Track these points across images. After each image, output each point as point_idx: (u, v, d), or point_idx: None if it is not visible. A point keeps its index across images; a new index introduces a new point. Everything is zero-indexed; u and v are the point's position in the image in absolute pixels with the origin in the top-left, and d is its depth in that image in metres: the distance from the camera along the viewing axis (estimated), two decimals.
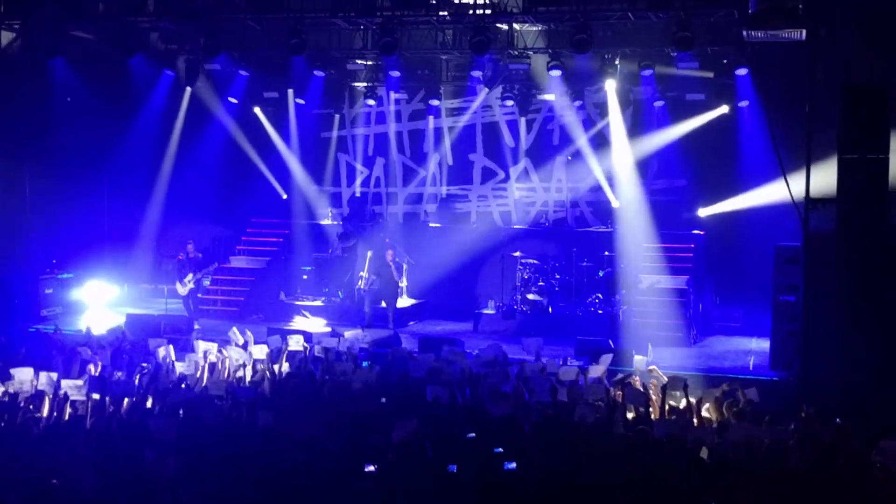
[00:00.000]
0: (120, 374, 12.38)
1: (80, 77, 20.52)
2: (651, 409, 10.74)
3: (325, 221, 22.52)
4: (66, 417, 10.24)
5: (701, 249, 19.79)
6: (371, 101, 21.90)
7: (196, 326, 17.90)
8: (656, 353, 15.35)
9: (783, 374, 15.07)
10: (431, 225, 22.12)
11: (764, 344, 16.54)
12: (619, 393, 11.10)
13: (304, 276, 21.12)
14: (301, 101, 22.26)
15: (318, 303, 20.16)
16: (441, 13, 18.17)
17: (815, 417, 10.21)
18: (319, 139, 23.52)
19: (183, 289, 19.03)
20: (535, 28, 18.92)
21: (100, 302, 20.81)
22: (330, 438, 8.99)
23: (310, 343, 13.88)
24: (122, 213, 22.26)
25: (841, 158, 13.64)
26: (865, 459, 8.57)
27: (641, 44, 18.62)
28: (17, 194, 18.90)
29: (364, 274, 20.15)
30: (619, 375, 12.56)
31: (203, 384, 11.99)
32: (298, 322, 18.46)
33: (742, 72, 18.11)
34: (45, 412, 10.46)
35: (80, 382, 11.31)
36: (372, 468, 7.97)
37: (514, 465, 8.06)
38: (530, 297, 19.22)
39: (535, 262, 19.67)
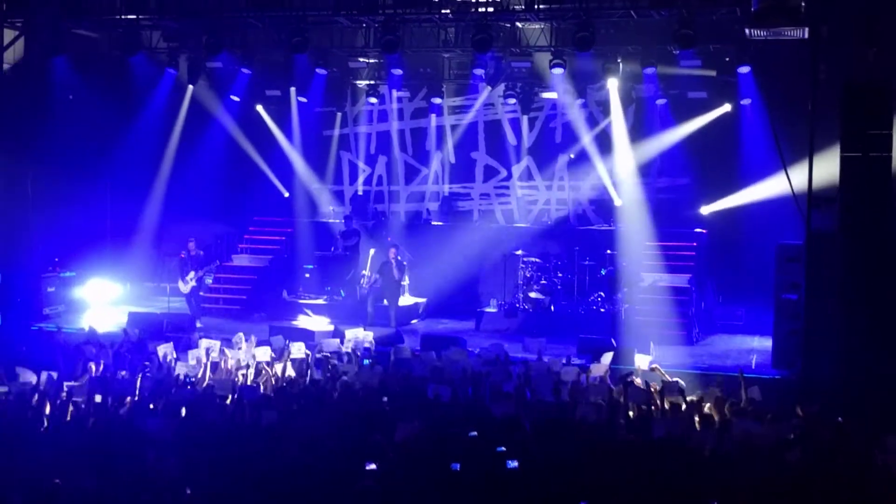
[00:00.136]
0: (123, 373, 12.38)
1: (81, 75, 20.55)
2: (653, 408, 10.74)
3: (330, 219, 22.50)
4: (69, 417, 10.25)
5: (703, 248, 19.78)
6: (373, 99, 21.92)
7: (198, 325, 17.93)
8: (658, 352, 15.37)
9: (785, 372, 15.06)
10: (433, 223, 22.12)
11: (766, 342, 16.54)
12: (622, 392, 11.09)
13: (307, 275, 21.12)
14: (303, 100, 22.26)
15: (320, 301, 20.16)
16: (443, 11, 18.15)
17: (817, 416, 10.21)
18: (321, 137, 23.51)
19: (185, 287, 19.04)
20: (537, 26, 18.90)
21: (102, 300, 20.82)
22: (332, 438, 8.99)
23: (311, 350, 13.84)
24: (124, 211, 22.25)
25: (843, 156, 13.63)
26: (866, 458, 8.56)
27: (644, 42, 18.58)
28: (20, 192, 18.89)
29: (366, 272, 20.17)
30: (622, 374, 12.54)
31: (206, 383, 12.00)
32: (301, 321, 18.46)
33: (744, 70, 18.10)
34: (48, 411, 10.47)
35: (81, 382, 11.32)
36: (373, 466, 7.97)
37: (515, 463, 8.06)
38: (532, 295, 19.22)
39: (537, 260, 19.67)
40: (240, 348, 13.84)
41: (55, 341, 14.86)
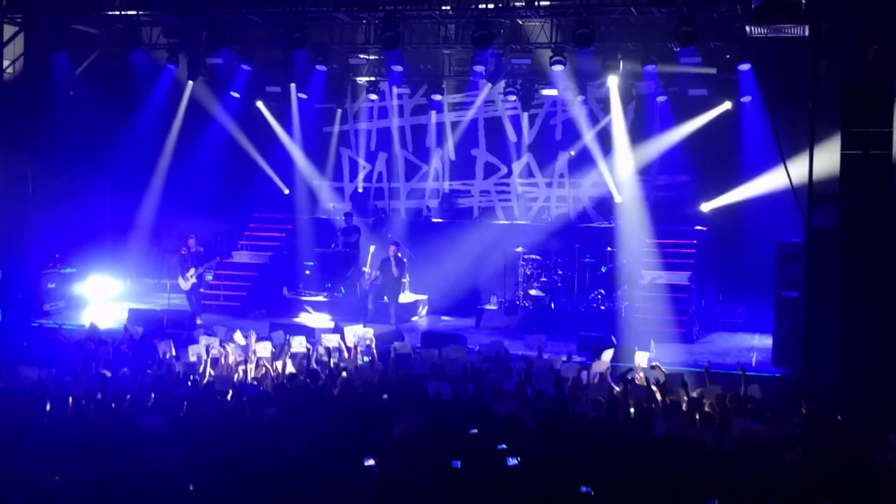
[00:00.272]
0: (124, 369, 12.38)
1: (82, 71, 20.53)
2: (653, 406, 10.74)
3: (331, 214, 22.49)
4: (69, 414, 10.22)
5: (703, 245, 19.78)
6: (373, 96, 21.92)
7: (199, 321, 17.93)
8: (658, 350, 15.37)
9: (785, 370, 15.07)
10: (434, 220, 22.11)
11: (767, 340, 16.55)
12: (622, 389, 11.09)
13: (307, 272, 21.13)
14: (303, 96, 22.26)
15: (320, 298, 20.17)
16: (444, 7, 18.12)
17: (817, 414, 10.21)
18: (321, 134, 23.51)
19: (185, 283, 19.04)
20: (537, 22, 18.89)
21: (102, 297, 20.83)
22: (332, 434, 8.99)
23: (312, 345, 13.86)
24: (124, 208, 22.26)
25: (843, 154, 13.63)
26: (867, 456, 8.57)
27: (644, 39, 18.58)
28: (20, 189, 18.88)
29: (367, 269, 20.16)
30: (622, 371, 12.54)
31: (206, 380, 12.01)
32: (302, 318, 18.45)
33: (745, 67, 18.12)
34: (48, 408, 10.43)
35: (82, 378, 11.32)
36: (371, 462, 7.98)
37: (516, 460, 8.06)
38: (532, 292, 19.22)
39: (538, 257, 19.66)
40: (240, 344, 13.85)
41: (55, 338, 14.85)
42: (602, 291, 19.09)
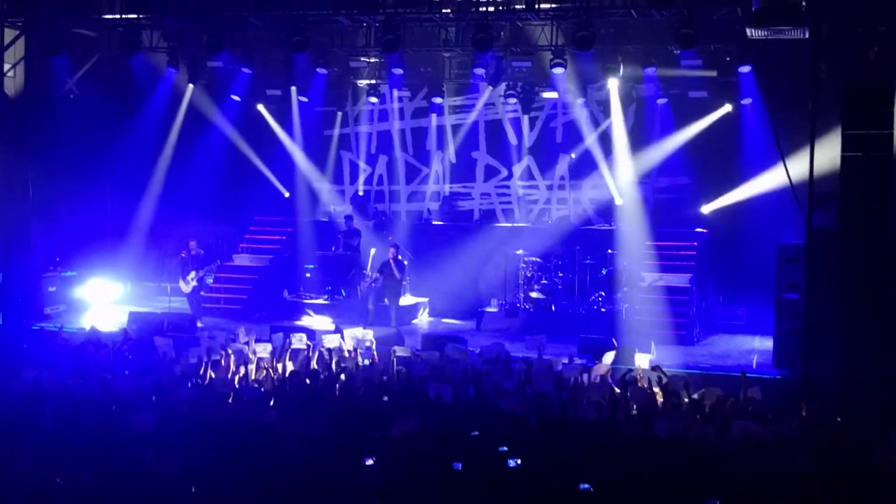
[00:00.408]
0: (125, 372, 12.38)
1: (82, 75, 20.55)
2: (654, 407, 10.74)
3: (331, 217, 22.50)
4: (70, 416, 10.22)
5: (704, 247, 19.77)
6: (374, 99, 21.93)
7: (199, 324, 17.93)
8: (659, 352, 15.37)
9: (786, 372, 15.06)
10: (434, 223, 22.11)
11: (767, 342, 16.55)
12: (623, 391, 11.09)
13: (308, 275, 21.13)
14: (304, 99, 22.28)
15: (321, 301, 20.17)
16: (444, 10, 18.17)
17: (817, 415, 10.20)
18: (322, 137, 23.51)
19: (186, 286, 19.04)
20: (538, 25, 18.91)
21: (103, 300, 20.83)
22: (333, 436, 8.99)
23: (313, 342, 13.88)
24: (124, 211, 22.26)
25: (843, 156, 13.63)
26: (867, 457, 8.56)
27: (644, 41, 18.61)
28: (20, 192, 18.89)
29: (367, 272, 20.16)
30: (622, 373, 12.53)
31: (207, 381, 12.00)
32: (303, 321, 18.45)
33: (745, 69, 18.12)
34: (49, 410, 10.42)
35: (83, 381, 11.32)
36: (370, 461, 7.97)
37: (517, 462, 8.06)
38: (533, 295, 19.22)
39: (538, 260, 19.66)
40: (241, 346, 13.85)
41: (56, 341, 14.84)
42: (602, 294, 19.09)
